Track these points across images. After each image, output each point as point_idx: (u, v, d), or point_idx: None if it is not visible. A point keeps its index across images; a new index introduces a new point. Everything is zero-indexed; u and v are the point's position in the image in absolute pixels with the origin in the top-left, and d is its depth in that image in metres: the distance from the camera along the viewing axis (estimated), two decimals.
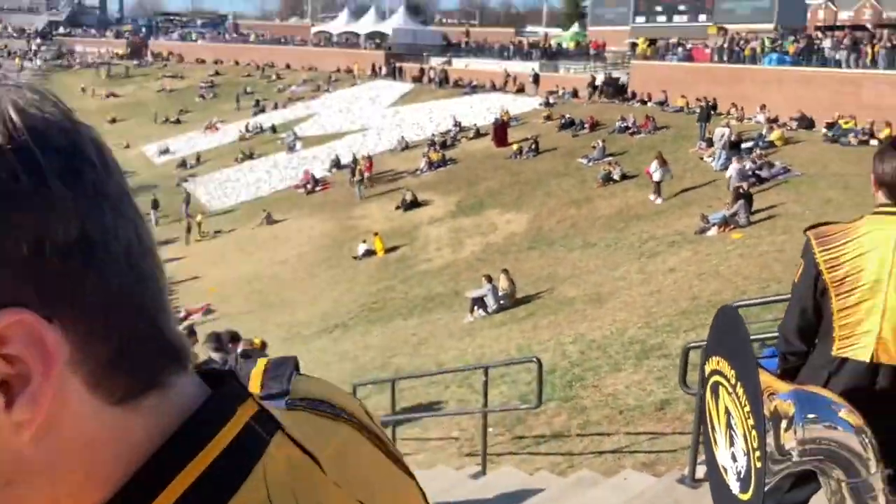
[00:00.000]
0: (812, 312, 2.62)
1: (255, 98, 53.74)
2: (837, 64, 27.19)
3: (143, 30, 79.32)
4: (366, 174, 31.62)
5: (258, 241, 28.75)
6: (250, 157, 40.67)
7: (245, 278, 25.07)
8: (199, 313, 21.95)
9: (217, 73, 64.00)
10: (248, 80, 60.82)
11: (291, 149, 40.28)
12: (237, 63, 66.37)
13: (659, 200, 22.22)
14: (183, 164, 42.36)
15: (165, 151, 46.15)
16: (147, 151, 47.40)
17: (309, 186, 33.19)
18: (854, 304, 2.50)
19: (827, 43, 28.56)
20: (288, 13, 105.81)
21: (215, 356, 7.52)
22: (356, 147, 38.06)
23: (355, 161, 33.44)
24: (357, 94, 50.64)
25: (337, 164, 35.30)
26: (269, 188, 35.30)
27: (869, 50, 26.29)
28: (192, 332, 8.28)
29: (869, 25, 35.85)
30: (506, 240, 23.18)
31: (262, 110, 51.08)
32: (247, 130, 46.33)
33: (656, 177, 22.51)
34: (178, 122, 53.56)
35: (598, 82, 37.79)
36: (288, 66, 62.99)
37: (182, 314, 22.13)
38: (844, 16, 76.77)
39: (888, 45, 25.57)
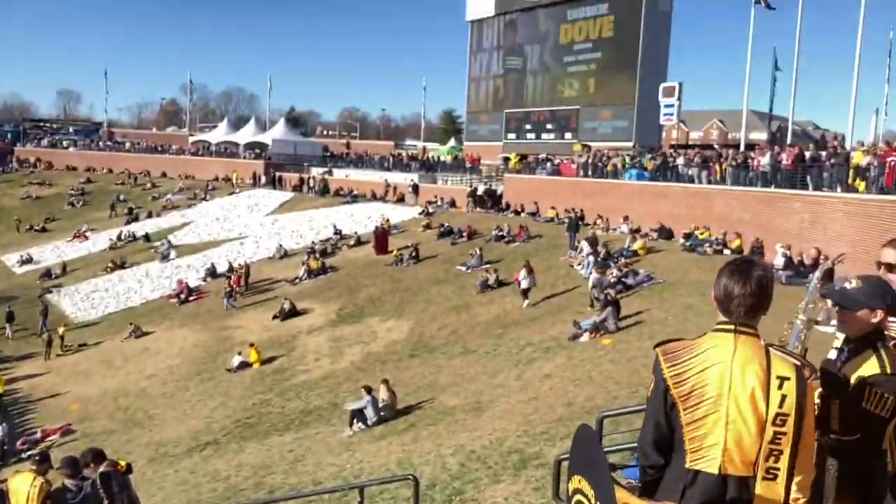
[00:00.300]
0: (665, 426, 2.70)
1: (128, 206, 52.23)
2: (691, 179, 29.46)
3: (9, 135, 76.22)
4: (235, 287, 31.11)
5: (126, 354, 27.34)
6: (121, 266, 39.12)
7: (111, 394, 23.65)
8: (56, 434, 20.45)
9: (89, 181, 62.01)
10: (121, 188, 59.23)
11: (165, 258, 39.13)
12: (111, 171, 64.68)
13: (525, 304, 23.03)
14: (47, 273, 40.19)
15: (28, 261, 43.73)
16: (7, 261, 44.81)
17: (182, 296, 32.14)
18: (701, 418, 2.61)
19: (680, 160, 30.98)
20: (166, 123, 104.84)
21: (69, 483, 7.00)
22: (233, 255, 37.45)
23: (231, 269, 32.87)
24: (235, 202, 50.22)
25: (213, 272, 34.51)
26: (141, 298, 33.91)
27: (717, 168, 28.67)
28: (44, 457, 7.67)
29: (716, 145, 39.17)
30: (386, 348, 23.08)
31: (136, 218, 49.65)
32: (118, 239, 44.74)
33: (524, 284, 23.41)
34: (43, 230, 51.12)
35: (480, 191, 39.27)
36: (164, 175, 61.96)
37: (38, 436, 20.56)
38: (695, 135, 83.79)
39: (734, 163, 28.00)
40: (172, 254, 39.47)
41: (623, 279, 22.13)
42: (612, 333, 18.20)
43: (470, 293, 25.80)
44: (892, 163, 20.20)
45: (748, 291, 2.63)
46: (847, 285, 3.10)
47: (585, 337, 18.48)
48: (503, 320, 22.65)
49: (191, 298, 32.17)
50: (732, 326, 2.66)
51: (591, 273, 23.12)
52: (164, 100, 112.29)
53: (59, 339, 29.13)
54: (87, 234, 47.68)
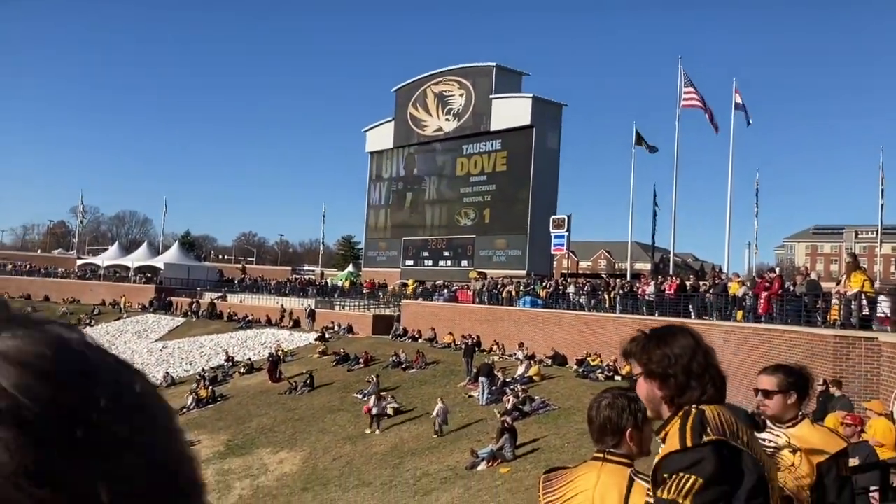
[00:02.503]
0: None
1: None
2: (581, 307, 30.57)
3: None
4: None
5: None
6: None
7: None
8: None
9: None
10: None
11: None
12: None
13: (376, 431, 23.98)
14: None
15: None
16: None
17: None
18: None
19: (571, 288, 32.20)
20: (53, 245, 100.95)
21: None
22: None
23: None
24: (122, 327, 48.25)
25: None
26: None
27: (606, 296, 29.94)
28: None
29: (604, 274, 41.02)
30: (278, 481, 22.12)
31: None
32: None
33: (375, 411, 24.44)
34: None
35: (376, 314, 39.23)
36: (47, 299, 59.06)
37: None
38: (584, 265, 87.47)
39: (621, 291, 29.34)
40: None
41: (520, 406, 22.30)
42: (510, 462, 18.17)
43: (366, 422, 25.30)
44: (765, 295, 21.64)
45: (590, 420, 2.90)
46: None
47: (483, 466, 18.35)
48: (400, 450, 22.23)
49: None
50: (602, 455, 2.84)
51: (487, 401, 23.22)
52: (52, 222, 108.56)
53: None
54: None
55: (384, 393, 27.37)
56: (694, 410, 2.30)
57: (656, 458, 2.33)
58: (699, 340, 2.44)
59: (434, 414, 23.15)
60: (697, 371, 2.35)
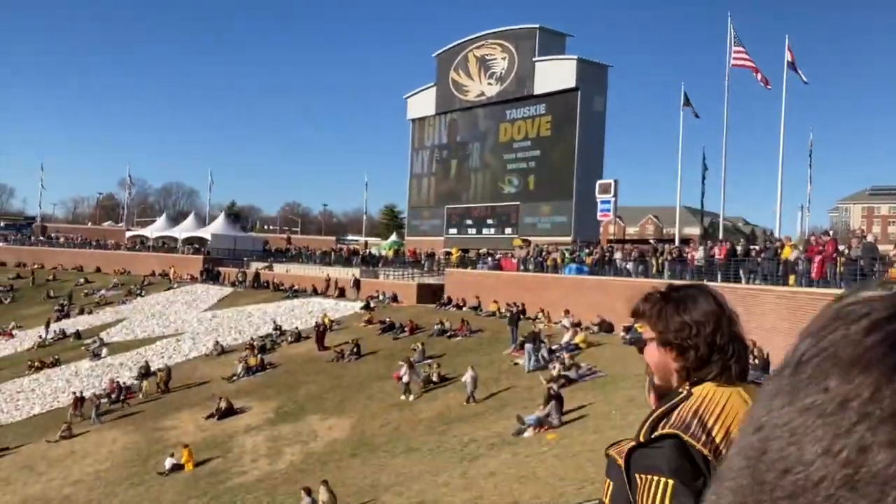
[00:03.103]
0: None
1: (59, 302, 50.57)
2: (628, 273, 30.16)
3: None
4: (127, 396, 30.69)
5: (51, 459, 25.85)
6: (53, 364, 37.47)
7: (31, 503, 22.22)
8: None
9: (18, 277, 60.06)
10: (53, 283, 57.51)
11: (96, 356, 37.71)
12: (42, 267, 62.85)
13: (411, 398, 24.52)
14: None
15: None
16: None
17: (114, 396, 30.84)
18: None
19: (618, 255, 31.77)
20: (102, 218, 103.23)
21: None
22: (169, 352, 36.42)
23: (142, 375, 32.04)
24: (172, 298, 49.15)
25: (146, 371, 33.34)
26: (69, 399, 32.39)
27: (654, 262, 29.48)
28: None
29: (652, 240, 40.42)
30: (327, 447, 22.41)
31: (67, 315, 48.02)
32: (47, 336, 43.08)
33: (405, 379, 24.92)
34: None
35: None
36: (98, 270, 60.52)
37: None
38: (631, 231, 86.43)
39: (669, 257, 28.85)
40: (104, 351, 38.09)
41: (566, 373, 22.17)
42: (556, 428, 18.09)
43: (412, 389, 25.45)
44: (819, 259, 21.05)
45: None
46: None
47: (529, 432, 18.30)
48: (446, 416, 22.32)
49: (122, 398, 30.89)
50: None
51: (532, 368, 23.15)
52: (101, 195, 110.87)
53: None
54: (14, 331, 45.83)
55: (429, 360, 27.51)
56: (683, 393, 2.04)
57: (626, 445, 2.10)
58: (724, 305, 2.15)
59: (465, 380, 23.28)
60: (721, 343, 2.07)
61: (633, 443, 2.06)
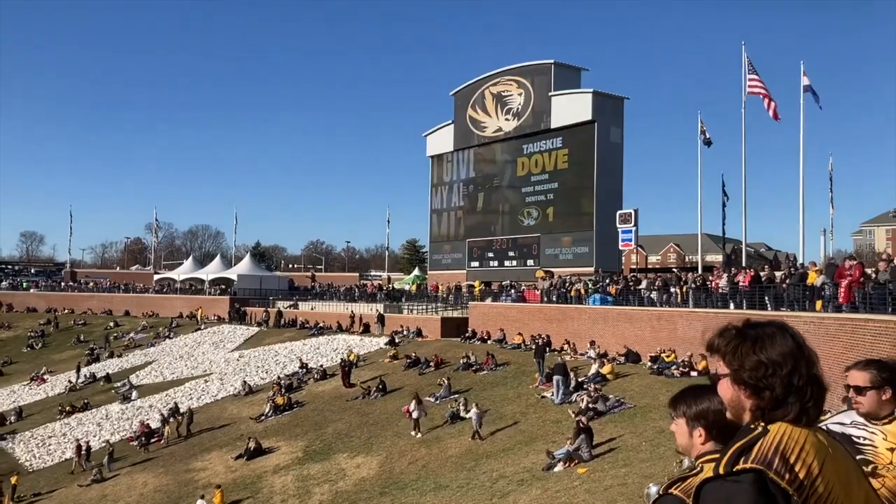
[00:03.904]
0: None
1: (88, 346, 51.21)
2: (652, 303, 30.02)
3: None
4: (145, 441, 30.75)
5: (82, 503, 26.06)
6: (84, 408, 37.89)
7: None
8: None
9: (49, 322, 60.96)
10: (83, 328, 58.30)
11: (126, 399, 38.09)
12: (72, 311, 63.81)
13: (418, 435, 24.74)
14: (1, 420, 38.71)
15: None
16: None
17: (143, 438, 31.09)
18: None
19: (643, 283, 31.65)
20: (130, 262, 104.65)
21: None
22: (197, 393, 36.71)
23: (165, 419, 32.21)
24: (200, 339, 49.61)
25: (175, 412, 33.60)
26: (99, 442, 32.71)
27: (678, 290, 29.35)
28: None
29: (675, 268, 40.24)
30: (356, 486, 22.39)
31: (97, 359, 48.63)
32: (77, 381, 43.59)
33: (415, 415, 25.08)
34: (0, 374, 49.67)
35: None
36: (127, 313, 61.32)
37: None
38: (653, 259, 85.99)
39: (693, 285, 28.72)
40: (134, 394, 38.46)
41: (594, 405, 22.07)
42: (587, 462, 17.99)
43: (439, 424, 25.42)
44: (846, 283, 20.88)
45: None
46: None
47: (559, 467, 18.21)
48: (475, 452, 22.25)
49: (152, 440, 31.13)
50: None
51: (561, 401, 23.06)
52: (129, 239, 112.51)
53: (10, 490, 27.74)
54: (45, 376, 46.43)
55: (455, 395, 27.49)
56: (759, 430, 1.99)
57: (694, 480, 2.07)
58: (802, 345, 2.08)
59: (470, 416, 23.34)
60: (798, 385, 2.01)
61: (703, 476, 2.00)
